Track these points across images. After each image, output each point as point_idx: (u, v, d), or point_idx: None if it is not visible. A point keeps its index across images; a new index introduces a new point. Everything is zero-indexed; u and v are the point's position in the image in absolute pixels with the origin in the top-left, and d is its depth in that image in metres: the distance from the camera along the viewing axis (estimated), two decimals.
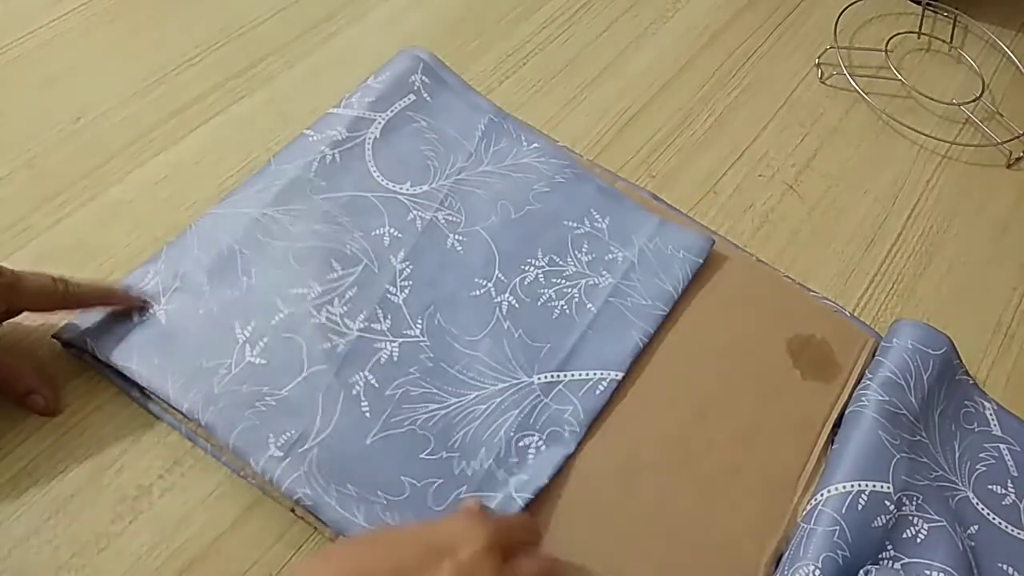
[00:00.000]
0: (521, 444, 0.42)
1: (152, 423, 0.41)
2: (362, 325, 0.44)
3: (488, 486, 0.41)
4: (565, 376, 0.45)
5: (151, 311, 0.43)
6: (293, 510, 0.40)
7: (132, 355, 0.41)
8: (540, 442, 0.42)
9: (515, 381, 0.44)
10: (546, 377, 0.44)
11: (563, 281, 0.48)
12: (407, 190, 0.50)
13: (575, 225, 0.50)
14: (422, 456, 0.41)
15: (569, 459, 0.42)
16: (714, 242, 0.51)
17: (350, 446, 0.40)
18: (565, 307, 0.47)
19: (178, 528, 0.39)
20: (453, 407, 0.43)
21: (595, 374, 0.45)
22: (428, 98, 0.54)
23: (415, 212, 0.49)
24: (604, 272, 0.49)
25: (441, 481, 0.40)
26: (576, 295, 0.48)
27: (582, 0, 0.65)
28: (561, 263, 0.49)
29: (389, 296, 0.45)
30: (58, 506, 0.38)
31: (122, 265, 0.46)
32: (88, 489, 0.39)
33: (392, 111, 0.53)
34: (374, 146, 0.51)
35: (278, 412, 0.40)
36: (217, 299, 0.43)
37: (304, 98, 0.55)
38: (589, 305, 0.47)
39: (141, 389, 0.41)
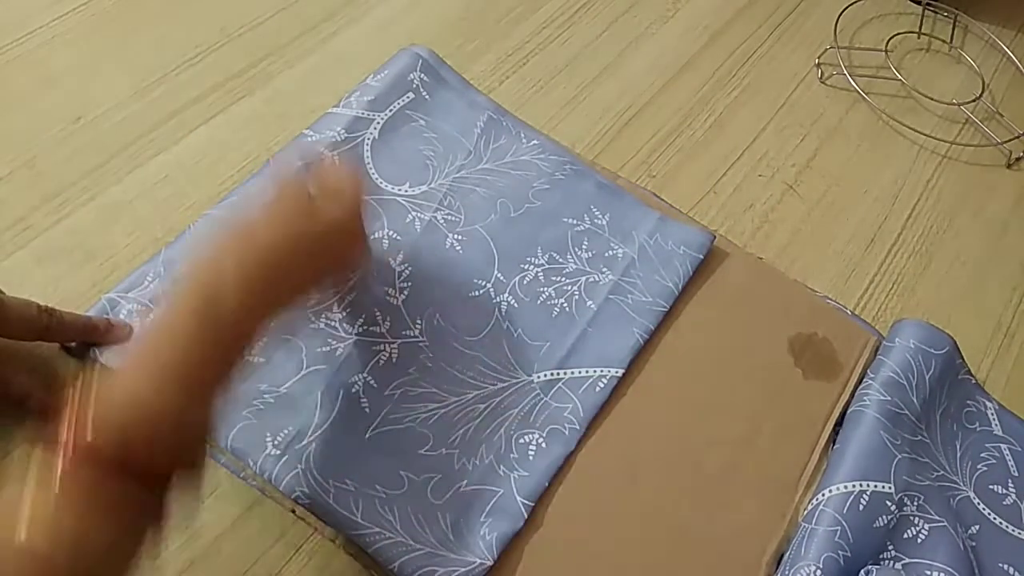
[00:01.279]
0: (521, 442, 0.42)
1: None
2: (360, 329, 0.44)
3: (489, 480, 0.41)
4: (565, 374, 0.45)
5: (151, 316, 0.42)
6: (293, 511, 0.40)
7: None
8: (541, 440, 0.42)
9: (514, 380, 0.44)
10: (546, 375, 0.44)
11: (563, 279, 0.48)
12: (406, 191, 0.50)
13: (575, 222, 0.50)
14: (421, 452, 0.41)
15: (569, 457, 0.42)
16: (715, 237, 0.51)
17: (349, 440, 0.40)
18: (565, 305, 0.47)
19: (178, 528, 0.38)
20: (452, 406, 0.42)
21: (595, 371, 0.45)
22: (427, 96, 0.54)
23: (414, 213, 0.49)
24: (604, 269, 0.49)
25: (440, 476, 0.40)
26: (576, 292, 0.48)
27: (582, 0, 0.65)
28: (561, 260, 0.49)
29: (388, 298, 0.45)
30: None
31: (122, 265, 0.46)
32: None
33: (391, 110, 0.52)
34: (372, 147, 0.51)
35: (276, 409, 0.40)
36: None
37: (304, 98, 0.54)
38: (589, 302, 0.47)
39: None
